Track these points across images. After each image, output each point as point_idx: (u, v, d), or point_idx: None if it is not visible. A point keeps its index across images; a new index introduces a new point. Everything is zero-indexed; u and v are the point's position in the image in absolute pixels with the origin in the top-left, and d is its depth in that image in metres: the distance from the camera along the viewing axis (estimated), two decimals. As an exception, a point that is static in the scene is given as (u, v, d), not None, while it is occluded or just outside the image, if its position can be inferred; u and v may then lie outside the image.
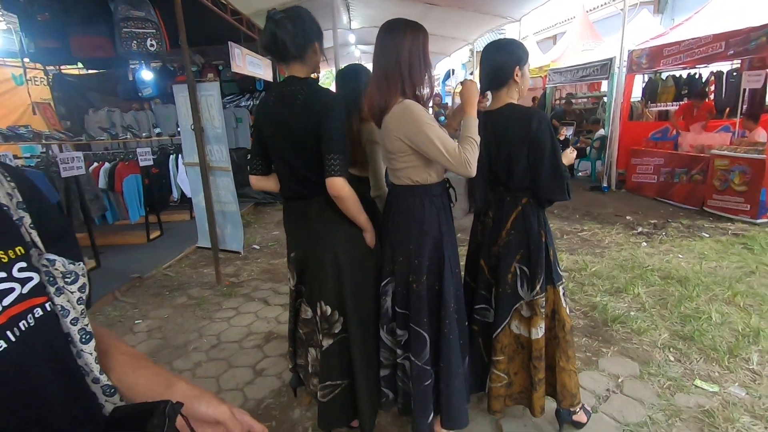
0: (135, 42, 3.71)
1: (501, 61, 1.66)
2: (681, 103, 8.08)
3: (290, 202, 1.72)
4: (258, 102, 6.88)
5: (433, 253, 1.59)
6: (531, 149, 1.61)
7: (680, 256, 3.98)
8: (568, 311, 1.80)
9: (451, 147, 1.46)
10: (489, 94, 1.76)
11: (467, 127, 1.53)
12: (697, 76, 7.98)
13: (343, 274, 1.63)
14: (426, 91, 1.55)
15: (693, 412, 2.00)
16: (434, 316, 1.61)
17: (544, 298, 1.70)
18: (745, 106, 6.41)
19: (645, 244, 4.38)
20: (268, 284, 3.86)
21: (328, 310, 1.64)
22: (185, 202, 5.97)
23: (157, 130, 6.00)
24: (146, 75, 6.40)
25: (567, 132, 8.05)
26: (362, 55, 15.86)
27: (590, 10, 11.18)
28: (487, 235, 1.78)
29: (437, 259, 1.60)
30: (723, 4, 5.64)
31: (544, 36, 14.20)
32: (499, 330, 1.74)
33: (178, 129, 5.80)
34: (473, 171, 1.48)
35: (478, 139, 1.51)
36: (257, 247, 4.97)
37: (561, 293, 1.77)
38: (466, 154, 1.46)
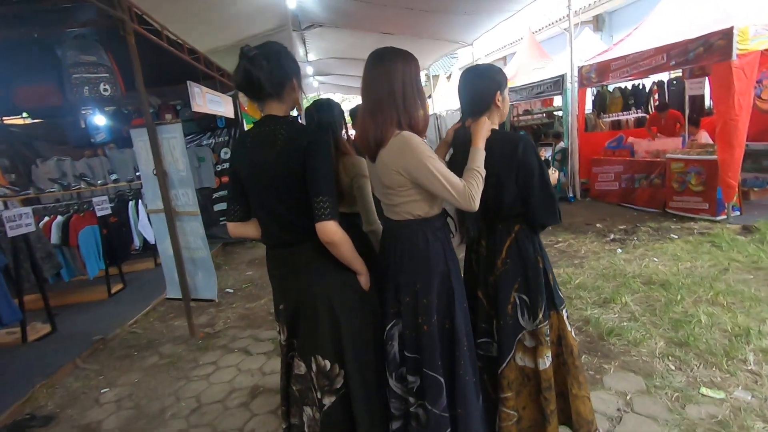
0: (87, 87, 3.50)
1: (482, 87, 1.63)
2: (628, 112, 8.58)
3: (274, 250, 1.59)
4: (234, 142, 6.71)
5: (442, 289, 1.49)
6: (519, 175, 1.56)
7: (656, 259, 4.07)
8: (573, 334, 1.74)
9: (454, 181, 1.40)
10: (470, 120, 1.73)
11: (474, 159, 1.48)
12: (641, 87, 8.49)
13: (341, 323, 1.49)
14: (421, 121, 1.48)
15: (707, 425, 1.95)
16: (447, 357, 1.49)
17: (548, 326, 1.63)
18: (687, 111, 6.86)
19: (620, 250, 4.47)
20: (246, 332, 3.62)
21: (327, 364, 1.49)
22: (148, 249, 5.65)
23: (114, 177, 5.68)
24: (99, 120, 6.09)
25: (546, 153, 8.27)
26: (320, 86, 16.02)
27: (536, 31, 11.79)
28: (482, 264, 1.70)
29: (446, 295, 1.50)
30: (657, 20, 6.06)
31: (496, 57, 14.84)
32: (504, 365, 1.64)
33: (137, 174, 5.53)
34: (477, 205, 1.42)
35: (483, 172, 1.47)
36: (231, 291, 4.71)
37: (565, 317, 1.70)
38: (470, 189, 1.41)
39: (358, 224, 1.95)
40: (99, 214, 4.57)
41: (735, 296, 3.09)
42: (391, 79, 1.42)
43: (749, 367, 2.32)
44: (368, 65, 1.47)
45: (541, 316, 1.63)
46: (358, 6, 6.65)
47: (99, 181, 5.56)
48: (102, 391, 2.91)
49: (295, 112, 1.90)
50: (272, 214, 1.51)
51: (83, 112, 5.95)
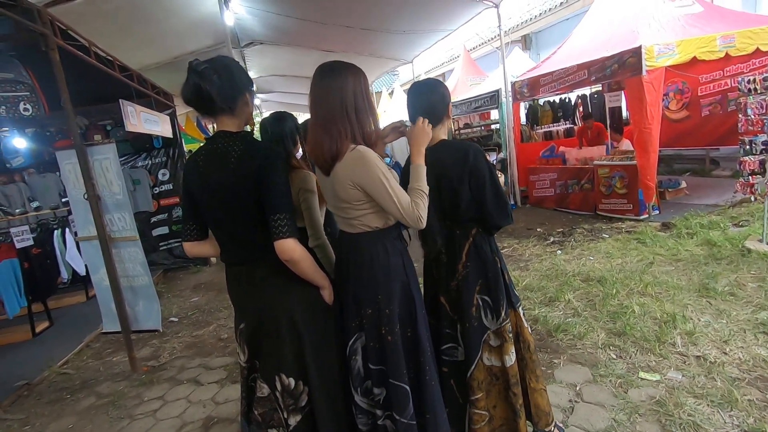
0: (3, 107, 3.18)
1: (435, 100, 1.70)
2: (557, 123, 9.26)
3: (233, 267, 1.54)
4: (186, 160, 6.40)
5: (403, 298, 1.51)
6: (472, 181, 1.64)
7: (591, 258, 4.38)
8: (529, 330, 1.83)
9: (405, 201, 1.42)
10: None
11: (417, 177, 1.49)
12: (567, 100, 9.21)
13: (303, 339, 1.46)
14: (373, 134, 1.49)
15: (648, 405, 2.12)
16: (413, 365, 1.50)
17: (509, 324, 1.70)
18: (608, 121, 7.53)
19: (560, 251, 4.76)
20: (195, 360, 3.42)
21: (291, 382, 1.45)
22: (78, 281, 5.19)
23: (35, 204, 5.18)
24: (18, 143, 5.55)
25: (491, 158, 8.62)
26: (263, 104, 15.77)
27: (471, 50, 12.48)
28: (443, 271, 1.75)
29: (407, 304, 1.52)
30: (577, 40, 6.65)
31: (434, 74, 15.47)
32: (473, 367, 1.69)
33: (63, 200, 5.10)
34: (424, 225, 1.45)
35: (427, 189, 1.49)
36: (175, 320, 4.43)
37: (521, 314, 1.79)
38: (418, 210, 1.42)
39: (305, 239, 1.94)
40: (19, 245, 4.14)
41: (661, 286, 3.39)
42: (342, 91, 1.41)
43: (678, 350, 2.55)
44: (316, 79, 1.45)
45: (503, 314, 1.70)
46: (298, 24, 6.67)
47: (17, 210, 5.04)
48: (29, 442, 2.61)
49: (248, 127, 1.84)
50: (228, 231, 1.46)
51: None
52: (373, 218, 1.49)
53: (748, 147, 3.88)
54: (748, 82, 3.85)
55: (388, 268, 1.49)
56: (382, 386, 1.51)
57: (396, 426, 1.48)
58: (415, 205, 1.43)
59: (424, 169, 1.52)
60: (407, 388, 1.48)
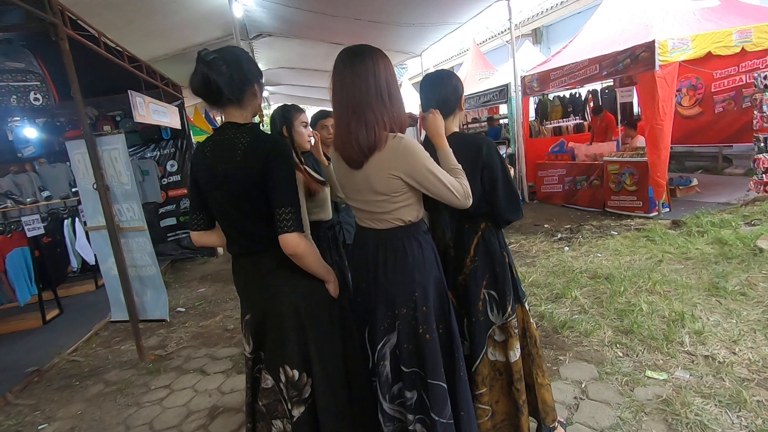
0: (14, 97, 3.20)
1: (448, 92, 1.67)
2: (567, 119, 9.15)
3: (239, 259, 1.54)
4: (193, 150, 6.46)
5: (436, 294, 1.46)
6: (484, 174, 1.62)
7: (599, 255, 4.35)
8: (535, 325, 1.82)
9: (453, 182, 1.39)
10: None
11: (448, 159, 1.47)
12: (577, 95, 9.09)
13: (307, 332, 1.46)
14: (404, 122, 1.42)
15: (654, 404, 2.10)
16: (447, 362, 1.46)
17: (515, 319, 1.69)
18: (619, 117, 7.44)
19: (567, 248, 4.72)
20: (201, 350, 3.45)
21: (296, 374, 1.45)
22: (87, 270, 5.26)
23: (46, 194, 5.24)
24: (29, 132, 5.60)
25: (501, 151, 8.56)
26: (270, 96, 15.79)
27: (480, 43, 12.35)
28: (451, 265, 1.73)
29: (440, 300, 1.47)
30: (589, 34, 6.55)
31: (444, 68, 15.33)
32: (478, 361, 1.68)
33: (73, 189, 5.16)
34: (471, 201, 1.43)
35: (461, 167, 1.47)
36: (182, 310, 4.47)
37: (528, 309, 1.78)
38: (466, 187, 1.41)
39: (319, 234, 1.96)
40: (30, 234, 4.19)
41: (670, 285, 3.35)
42: (377, 77, 1.33)
43: (686, 349, 2.52)
44: (345, 63, 1.35)
45: (509, 309, 1.69)
46: (307, 16, 6.64)
47: (28, 199, 5.11)
48: (39, 427, 2.65)
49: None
50: (234, 223, 1.46)
51: (10, 123, 5.47)
52: (407, 211, 1.43)
53: (762, 144, 3.81)
54: (765, 77, 3.78)
55: (423, 263, 1.44)
56: (414, 389, 1.45)
57: (434, 428, 1.42)
58: (461, 183, 1.42)
59: (451, 151, 1.50)
60: (445, 386, 1.42)
